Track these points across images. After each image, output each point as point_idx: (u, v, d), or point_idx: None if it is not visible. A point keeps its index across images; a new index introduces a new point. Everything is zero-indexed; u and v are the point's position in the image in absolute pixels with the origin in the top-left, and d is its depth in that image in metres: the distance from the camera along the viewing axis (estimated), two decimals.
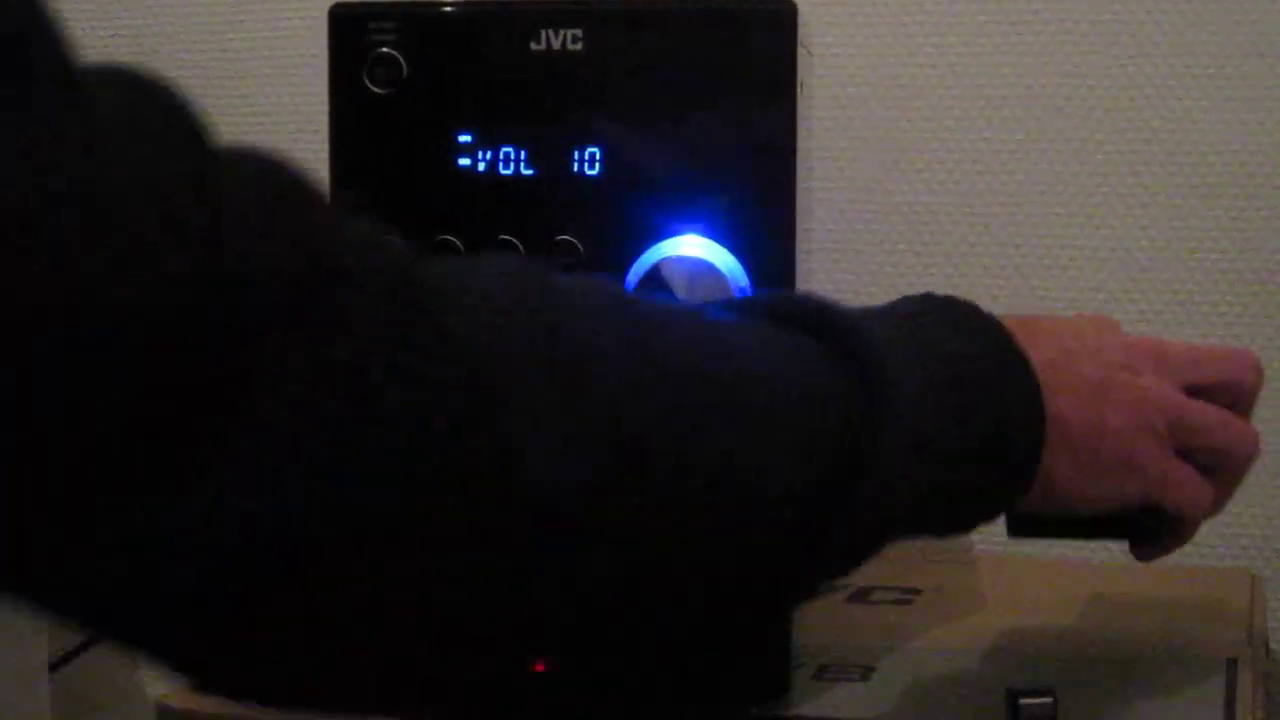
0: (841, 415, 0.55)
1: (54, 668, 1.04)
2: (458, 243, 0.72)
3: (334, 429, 0.41)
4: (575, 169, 0.71)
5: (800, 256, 0.71)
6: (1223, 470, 0.70)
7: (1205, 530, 0.74)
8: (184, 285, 0.38)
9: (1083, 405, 0.64)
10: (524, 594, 0.48)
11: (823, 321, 0.57)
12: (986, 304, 1.02)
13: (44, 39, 0.38)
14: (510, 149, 0.71)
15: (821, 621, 0.81)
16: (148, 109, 0.40)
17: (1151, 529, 0.71)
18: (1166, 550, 0.72)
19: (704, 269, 0.69)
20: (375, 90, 0.72)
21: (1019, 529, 0.72)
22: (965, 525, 0.65)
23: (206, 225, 0.39)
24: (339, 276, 0.42)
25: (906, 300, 0.64)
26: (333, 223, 0.44)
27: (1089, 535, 0.72)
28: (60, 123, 0.37)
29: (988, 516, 0.65)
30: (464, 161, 0.72)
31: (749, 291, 0.69)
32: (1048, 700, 0.66)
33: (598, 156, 0.71)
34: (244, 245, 0.40)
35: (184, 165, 0.40)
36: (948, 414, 0.59)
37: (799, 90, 0.70)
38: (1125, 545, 0.74)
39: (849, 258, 1.03)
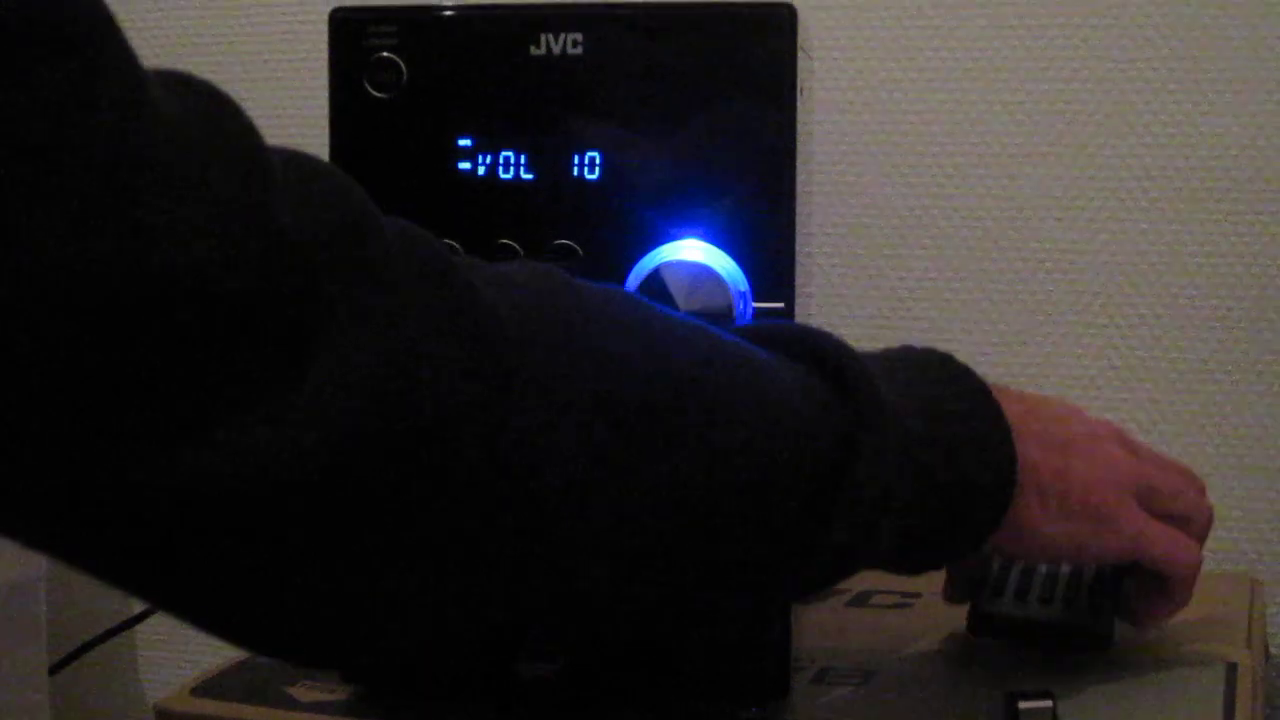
0: (830, 430, 0.58)
1: (53, 671, 1.04)
2: (458, 246, 0.72)
3: (372, 381, 0.44)
4: (575, 173, 0.71)
5: (800, 261, 0.71)
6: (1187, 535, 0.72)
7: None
8: (241, 247, 0.42)
9: (1052, 454, 0.67)
10: (528, 559, 0.51)
11: (818, 349, 0.60)
12: (987, 309, 1.02)
13: (112, 42, 0.41)
14: (510, 153, 0.71)
15: (821, 625, 0.81)
16: (201, 104, 0.44)
17: (1106, 637, 0.72)
18: (1161, 614, 0.73)
19: (704, 273, 0.69)
20: (375, 94, 0.72)
21: (979, 627, 0.73)
22: (934, 558, 0.67)
23: (261, 197, 0.43)
24: (381, 244, 0.47)
25: (885, 350, 0.67)
26: (371, 208, 0.48)
27: (1048, 640, 0.73)
28: (129, 112, 0.41)
29: (957, 552, 0.66)
30: (464, 165, 0.72)
31: (748, 295, 0.70)
32: (1047, 704, 0.66)
33: (597, 161, 0.71)
34: (296, 216, 0.44)
35: (238, 153, 0.44)
36: (926, 445, 0.61)
37: (798, 94, 0.70)
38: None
39: (848, 262, 1.03)
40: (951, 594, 0.78)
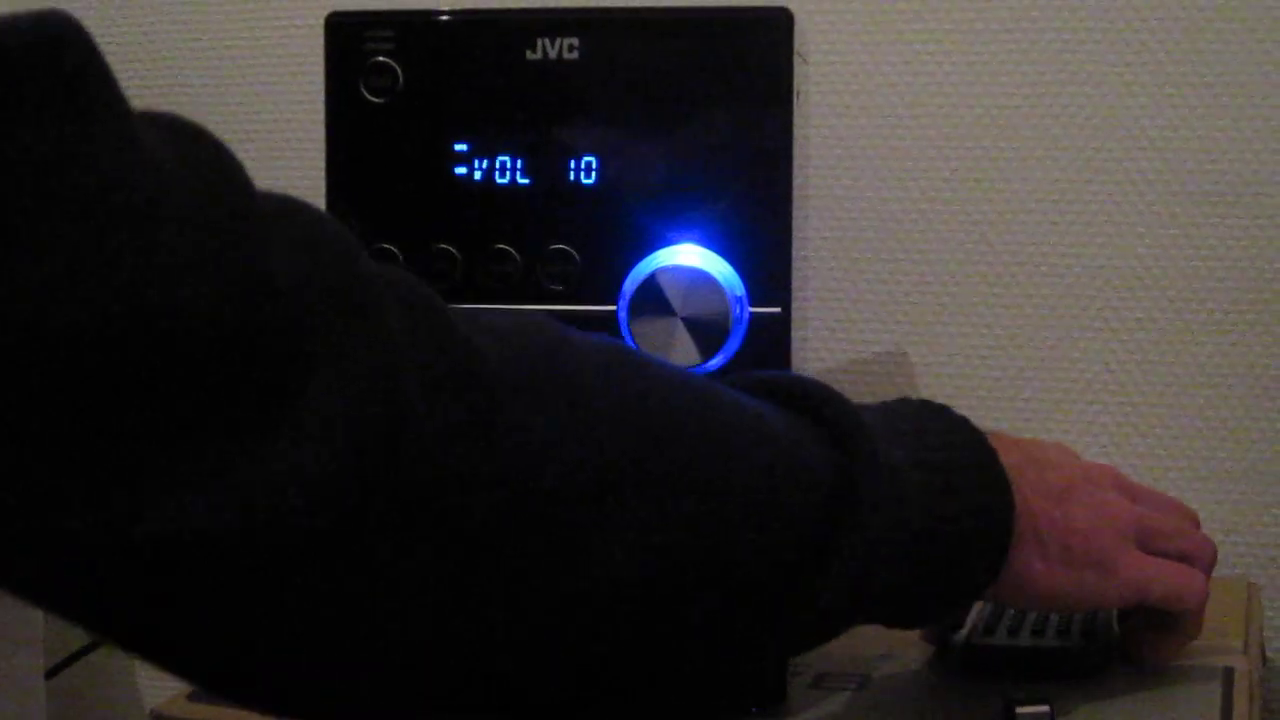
0: (824, 484, 0.57)
1: (50, 675, 1.03)
2: (454, 252, 0.72)
3: (365, 428, 0.45)
4: (571, 178, 0.71)
5: (796, 265, 0.71)
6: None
7: None
8: (228, 292, 0.42)
9: (1050, 502, 0.66)
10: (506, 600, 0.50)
11: (812, 399, 0.60)
12: (983, 313, 1.02)
13: (103, 87, 0.42)
14: (506, 158, 0.71)
15: None
16: (191, 148, 0.44)
17: (1101, 662, 0.72)
18: (1172, 652, 0.72)
19: (700, 278, 0.69)
20: (372, 99, 0.72)
21: (972, 662, 0.73)
22: (932, 611, 0.66)
23: (248, 242, 0.43)
24: (371, 293, 0.47)
25: (882, 402, 0.66)
26: (360, 254, 0.48)
27: (1043, 670, 0.73)
28: (120, 156, 0.41)
29: (955, 604, 0.66)
30: (460, 170, 0.72)
31: (745, 300, 0.69)
32: (1044, 709, 0.66)
33: (594, 165, 0.71)
34: (284, 261, 0.44)
35: (227, 195, 0.44)
36: (923, 495, 0.60)
37: (795, 98, 0.70)
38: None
39: (845, 266, 1.03)
40: (932, 634, 0.77)
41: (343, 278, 0.46)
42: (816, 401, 0.60)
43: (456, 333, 0.49)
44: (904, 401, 0.66)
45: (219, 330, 0.41)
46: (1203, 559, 0.71)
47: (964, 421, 0.65)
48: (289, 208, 0.46)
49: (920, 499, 0.60)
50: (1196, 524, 0.74)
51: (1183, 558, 0.70)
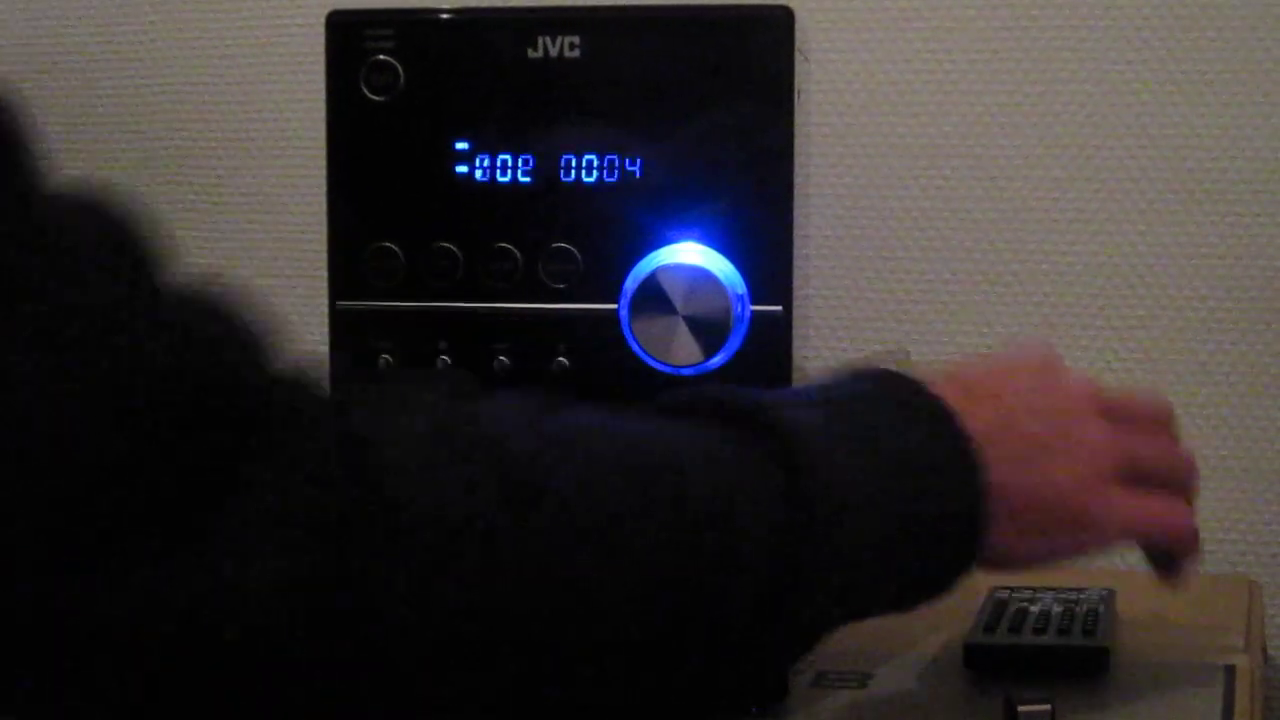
0: (769, 520, 0.55)
1: None
2: (455, 250, 0.72)
3: (276, 547, 0.45)
4: (572, 176, 0.71)
5: (797, 263, 0.71)
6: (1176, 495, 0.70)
7: (1203, 537, 0.74)
8: (148, 398, 0.42)
9: (1027, 468, 0.64)
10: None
11: (753, 418, 0.57)
12: (984, 311, 1.02)
13: (16, 157, 0.42)
14: (508, 156, 0.71)
15: None
16: (106, 237, 0.44)
17: (1103, 658, 0.72)
18: (1178, 576, 0.71)
19: (702, 276, 0.69)
20: (372, 97, 0.72)
21: (975, 660, 0.73)
22: (916, 598, 0.64)
23: (164, 351, 0.43)
24: (281, 411, 0.46)
25: (845, 379, 0.63)
26: (269, 357, 0.47)
27: (1045, 667, 0.73)
28: (20, 237, 0.41)
29: (938, 589, 0.64)
30: (461, 169, 0.72)
31: (746, 298, 0.69)
32: (1045, 708, 0.66)
33: (595, 163, 0.71)
34: (173, 358, 0.44)
35: (135, 288, 0.44)
36: (885, 504, 0.59)
37: (796, 96, 0.70)
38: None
39: (846, 265, 1.03)
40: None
41: (229, 384, 0.45)
42: (759, 429, 0.57)
43: (347, 439, 0.48)
44: (857, 378, 0.63)
45: (118, 444, 0.42)
46: (1187, 483, 0.70)
47: (927, 407, 0.62)
48: (196, 300, 0.46)
49: (885, 503, 0.59)
50: (1171, 417, 0.72)
51: (1167, 482, 0.69)
